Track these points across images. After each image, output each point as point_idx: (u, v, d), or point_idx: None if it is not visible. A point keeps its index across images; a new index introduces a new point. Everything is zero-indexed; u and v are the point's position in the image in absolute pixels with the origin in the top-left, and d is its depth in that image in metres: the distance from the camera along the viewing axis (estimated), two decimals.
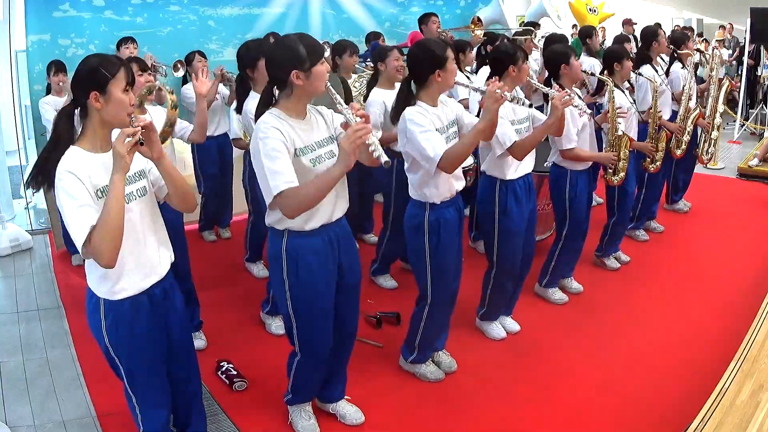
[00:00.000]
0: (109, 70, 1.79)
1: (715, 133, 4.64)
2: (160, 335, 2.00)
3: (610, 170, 3.63)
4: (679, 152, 4.34)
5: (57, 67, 4.15)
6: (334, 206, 2.22)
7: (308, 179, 2.06)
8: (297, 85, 2.05)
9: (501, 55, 2.95)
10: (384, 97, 3.44)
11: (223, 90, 4.45)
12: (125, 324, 1.90)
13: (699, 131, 4.66)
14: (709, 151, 4.69)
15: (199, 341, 3.15)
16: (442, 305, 2.81)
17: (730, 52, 10.25)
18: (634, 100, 3.90)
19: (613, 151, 3.56)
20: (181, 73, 4.03)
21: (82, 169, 1.73)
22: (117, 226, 1.66)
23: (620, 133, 3.55)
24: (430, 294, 2.76)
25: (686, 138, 4.32)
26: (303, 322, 2.29)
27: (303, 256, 2.19)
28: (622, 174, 3.64)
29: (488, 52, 4.39)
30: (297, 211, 2.05)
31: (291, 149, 2.05)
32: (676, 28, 12.09)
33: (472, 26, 5.61)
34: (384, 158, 1.90)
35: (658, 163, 4.12)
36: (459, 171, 2.65)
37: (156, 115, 2.86)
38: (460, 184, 2.69)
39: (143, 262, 1.90)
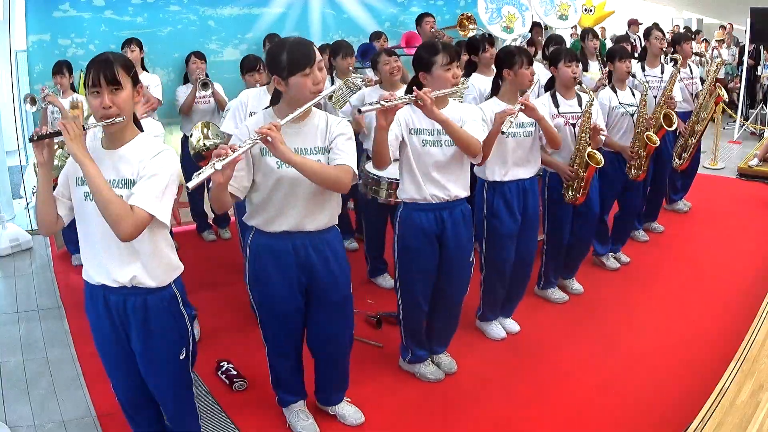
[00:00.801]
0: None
1: (692, 140, 4.56)
2: (117, 339, 1.94)
3: (565, 185, 3.35)
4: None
5: (56, 68, 4.14)
6: (303, 216, 2.16)
7: (272, 180, 2.09)
8: (280, 90, 2.09)
9: (499, 56, 2.96)
10: (375, 98, 3.40)
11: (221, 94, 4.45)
12: (88, 307, 1.96)
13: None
14: (683, 156, 4.63)
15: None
16: (411, 310, 2.76)
17: (733, 51, 10.23)
18: (620, 103, 3.83)
19: (572, 165, 3.28)
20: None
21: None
22: (41, 200, 1.85)
23: (588, 149, 3.21)
24: (399, 293, 2.75)
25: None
26: (262, 317, 2.36)
27: (262, 255, 2.23)
28: (578, 196, 3.32)
29: (472, 61, 4.31)
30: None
31: (257, 147, 2.05)
32: (675, 28, 12.12)
33: (465, 22, 5.20)
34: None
35: (641, 171, 3.84)
36: (445, 179, 2.54)
37: (148, 127, 2.82)
38: (440, 191, 2.56)
39: (98, 261, 1.87)
